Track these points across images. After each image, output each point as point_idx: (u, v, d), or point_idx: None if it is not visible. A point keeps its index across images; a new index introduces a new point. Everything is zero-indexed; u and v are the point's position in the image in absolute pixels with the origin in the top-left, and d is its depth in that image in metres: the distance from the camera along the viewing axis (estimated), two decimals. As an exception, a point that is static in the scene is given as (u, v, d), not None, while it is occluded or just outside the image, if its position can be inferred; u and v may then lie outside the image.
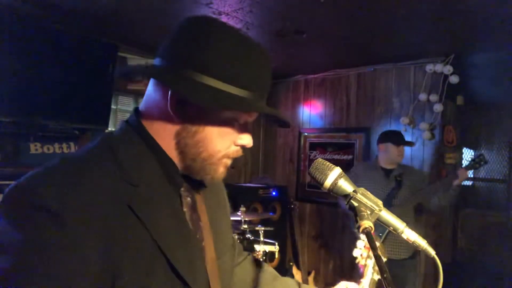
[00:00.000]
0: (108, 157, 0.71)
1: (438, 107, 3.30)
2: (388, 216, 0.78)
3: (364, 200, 0.77)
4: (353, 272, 3.56)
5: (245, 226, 3.12)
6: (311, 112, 4.42)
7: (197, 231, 0.82)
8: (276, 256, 3.68)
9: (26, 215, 0.60)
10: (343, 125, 4.12)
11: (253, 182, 4.70)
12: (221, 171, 0.79)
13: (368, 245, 1.06)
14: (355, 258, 1.02)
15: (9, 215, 0.62)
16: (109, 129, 3.28)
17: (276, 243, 3.15)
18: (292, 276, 4.00)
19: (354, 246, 1.03)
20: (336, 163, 0.83)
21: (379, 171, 2.96)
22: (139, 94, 3.69)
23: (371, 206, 0.77)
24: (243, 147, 0.80)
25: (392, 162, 2.95)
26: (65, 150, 3.00)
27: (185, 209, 0.81)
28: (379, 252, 0.72)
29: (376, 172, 2.96)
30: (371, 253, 1.04)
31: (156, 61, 0.76)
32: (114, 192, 0.67)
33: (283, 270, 4.15)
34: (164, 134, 0.76)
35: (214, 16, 2.65)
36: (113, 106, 3.46)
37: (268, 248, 3.09)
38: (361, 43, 3.19)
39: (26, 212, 0.61)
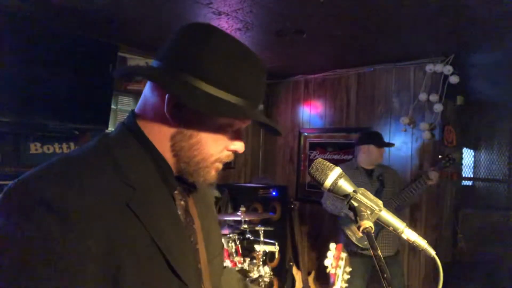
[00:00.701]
0: (105, 158, 0.72)
1: (438, 107, 3.30)
2: (388, 216, 0.78)
3: (364, 200, 0.77)
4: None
5: (245, 226, 3.12)
6: (311, 112, 4.42)
7: (191, 233, 0.84)
8: (276, 256, 3.69)
9: (28, 211, 0.61)
10: (343, 125, 4.11)
11: (253, 182, 4.70)
12: (212, 174, 0.81)
13: (337, 255, 1.15)
14: (326, 267, 1.10)
15: (10, 211, 0.62)
16: (109, 129, 3.28)
17: (276, 243, 3.15)
18: (292, 276, 4.00)
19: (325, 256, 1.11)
20: (336, 163, 0.83)
21: (361, 171, 3.02)
22: (139, 94, 3.67)
23: (371, 206, 0.77)
24: (234, 152, 0.83)
25: (372, 163, 3.02)
26: (65, 150, 2.99)
27: (179, 212, 0.82)
28: (379, 252, 0.72)
29: (359, 173, 3.01)
30: (340, 263, 1.16)
31: (154, 63, 0.77)
32: (113, 192, 0.68)
33: (283, 270, 4.16)
34: (160, 136, 0.77)
35: (214, 16, 2.66)
36: (113, 106, 3.45)
37: (268, 248, 3.10)
38: (361, 43, 3.19)
39: (27, 208, 0.61)
